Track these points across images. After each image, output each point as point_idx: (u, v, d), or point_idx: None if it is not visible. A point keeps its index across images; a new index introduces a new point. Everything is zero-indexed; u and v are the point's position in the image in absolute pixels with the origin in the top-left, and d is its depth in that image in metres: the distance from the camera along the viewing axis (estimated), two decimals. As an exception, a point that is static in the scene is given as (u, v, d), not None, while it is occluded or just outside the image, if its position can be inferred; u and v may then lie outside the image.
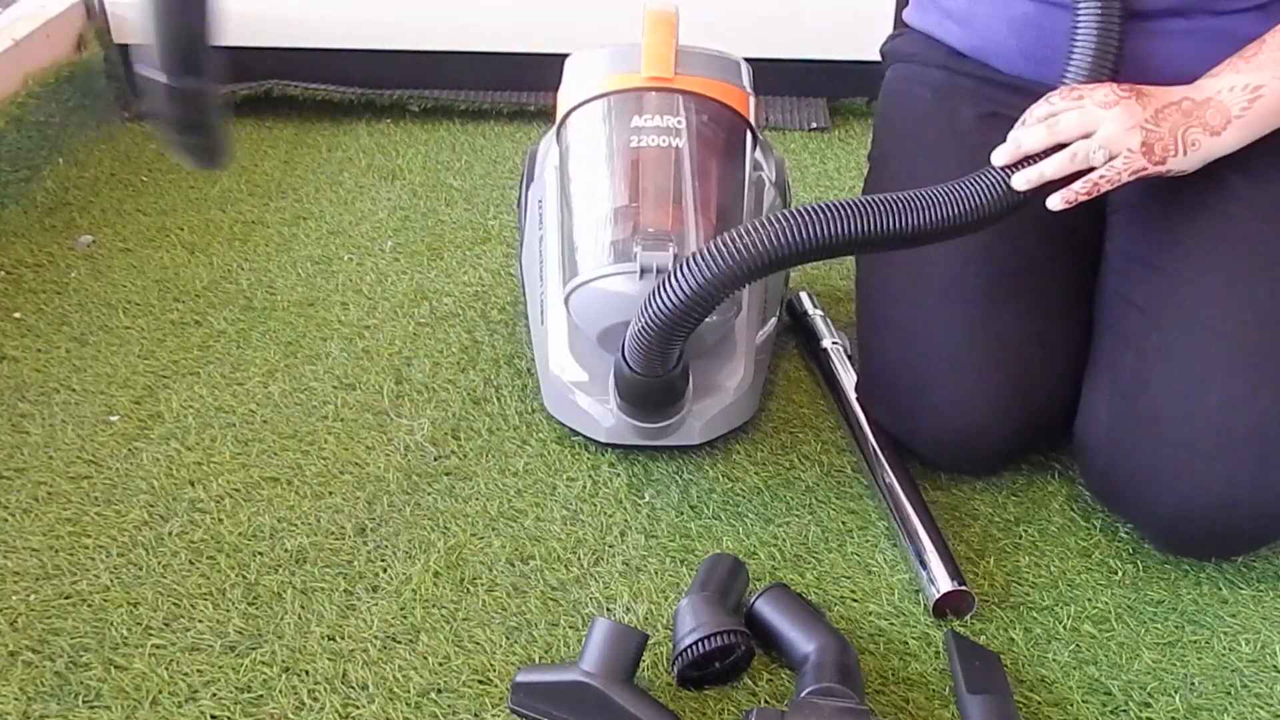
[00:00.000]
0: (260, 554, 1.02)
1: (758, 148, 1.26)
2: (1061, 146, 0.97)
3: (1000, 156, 0.98)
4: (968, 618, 0.98)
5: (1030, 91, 1.10)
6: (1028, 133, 0.97)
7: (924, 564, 0.99)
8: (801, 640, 0.90)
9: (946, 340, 1.05)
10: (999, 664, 0.92)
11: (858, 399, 1.17)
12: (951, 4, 1.18)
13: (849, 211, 0.94)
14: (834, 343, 1.27)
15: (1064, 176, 0.97)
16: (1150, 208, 1.07)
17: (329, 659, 0.92)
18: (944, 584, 0.96)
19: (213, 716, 0.87)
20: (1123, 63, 1.02)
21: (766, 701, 0.90)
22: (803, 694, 0.85)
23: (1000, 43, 1.14)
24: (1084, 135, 0.96)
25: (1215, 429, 0.95)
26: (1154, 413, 0.98)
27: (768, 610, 0.93)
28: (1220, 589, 1.01)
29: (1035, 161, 0.97)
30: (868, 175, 1.24)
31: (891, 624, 0.97)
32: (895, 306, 1.10)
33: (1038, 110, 0.99)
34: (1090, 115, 0.96)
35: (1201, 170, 1.00)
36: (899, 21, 1.29)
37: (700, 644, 0.88)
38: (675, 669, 0.89)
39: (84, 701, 0.88)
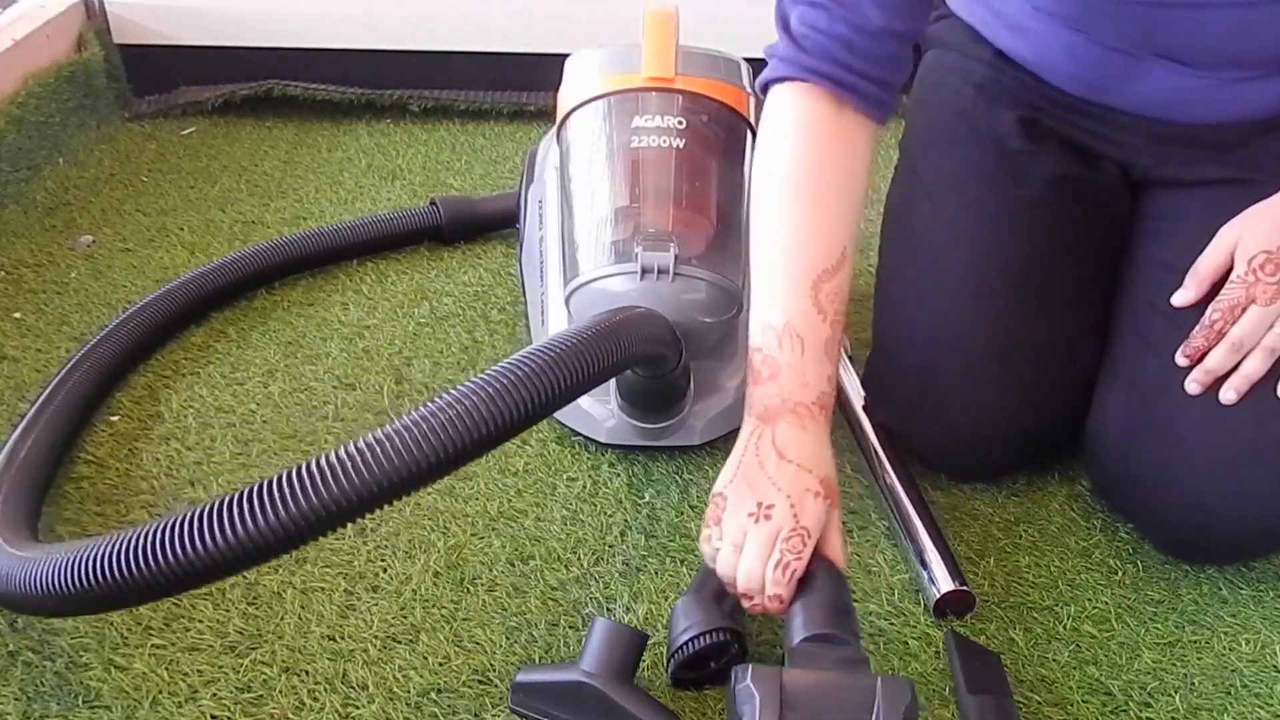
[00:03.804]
0: (260, 554, 1.02)
1: (758, 148, 1.26)
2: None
3: (1192, 384, 0.96)
4: (968, 618, 0.98)
5: (1077, 108, 1.08)
6: (1214, 358, 0.95)
7: (924, 564, 0.99)
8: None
9: (965, 345, 1.04)
10: (999, 664, 0.92)
11: (864, 399, 1.16)
12: (1004, 8, 1.12)
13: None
14: (834, 343, 1.26)
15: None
16: (1182, 215, 1.06)
17: (329, 659, 0.92)
18: (944, 584, 0.97)
19: (213, 716, 0.87)
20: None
21: (767, 701, 0.89)
22: (796, 641, 0.80)
23: (1056, 64, 1.09)
24: (1267, 329, 0.95)
25: (1237, 438, 0.94)
26: (1173, 416, 0.97)
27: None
28: (1220, 589, 1.02)
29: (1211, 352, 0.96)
30: (900, 162, 1.20)
31: (891, 624, 0.97)
32: (915, 308, 1.09)
33: (1213, 324, 0.96)
34: (1265, 313, 0.94)
35: (1239, 178, 1.00)
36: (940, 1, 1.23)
37: (691, 643, 0.88)
38: (668, 669, 0.89)
39: (84, 701, 0.88)
